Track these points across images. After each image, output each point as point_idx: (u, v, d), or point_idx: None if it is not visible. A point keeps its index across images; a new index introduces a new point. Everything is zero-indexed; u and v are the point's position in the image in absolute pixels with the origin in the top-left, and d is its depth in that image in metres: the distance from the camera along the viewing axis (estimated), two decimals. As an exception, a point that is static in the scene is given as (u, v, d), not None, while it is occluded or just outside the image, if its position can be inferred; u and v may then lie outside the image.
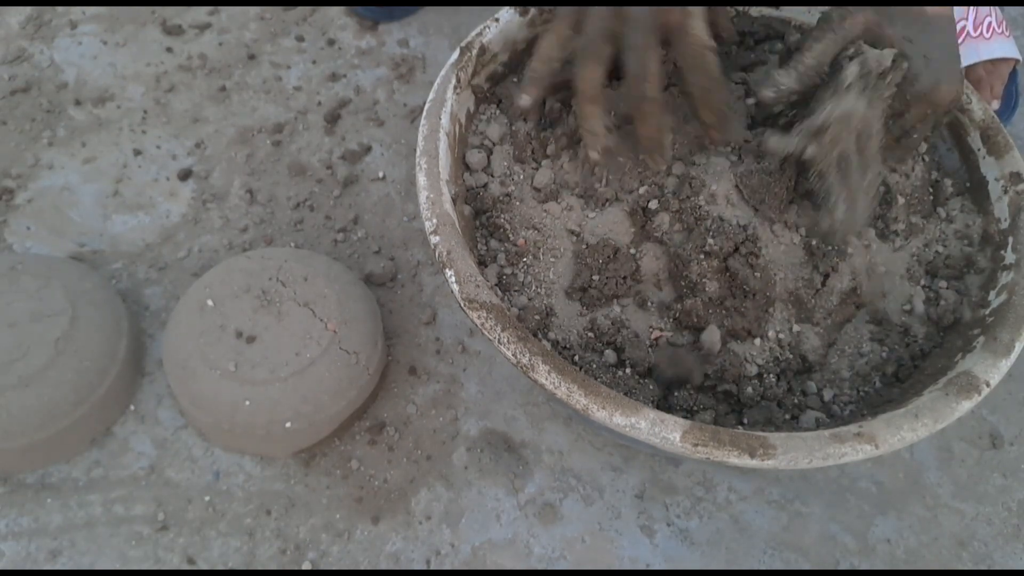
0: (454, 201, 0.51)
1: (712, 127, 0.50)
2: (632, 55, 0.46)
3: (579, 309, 0.52)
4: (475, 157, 0.57)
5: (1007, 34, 0.79)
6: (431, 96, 0.55)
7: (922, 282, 0.56)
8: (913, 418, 0.44)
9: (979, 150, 0.58)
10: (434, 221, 0.49)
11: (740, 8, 0.65)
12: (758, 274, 0.49)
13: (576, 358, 0.49)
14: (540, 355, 0.44)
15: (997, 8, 0.79)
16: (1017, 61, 0.79)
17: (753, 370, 0.50)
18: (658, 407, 0.45)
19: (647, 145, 0.51)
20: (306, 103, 0.81)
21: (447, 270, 0.47)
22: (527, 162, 0.57)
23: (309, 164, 0.77)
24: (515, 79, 0.61)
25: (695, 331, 0.51)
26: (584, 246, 0.53)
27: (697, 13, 0.46)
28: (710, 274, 0.50)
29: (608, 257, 0.52)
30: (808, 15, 0.64)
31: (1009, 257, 0.53)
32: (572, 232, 0.54)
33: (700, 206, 0.51)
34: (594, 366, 0.49)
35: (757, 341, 0.51)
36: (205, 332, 0.58)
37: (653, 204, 0.52)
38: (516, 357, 0.44)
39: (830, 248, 0.53)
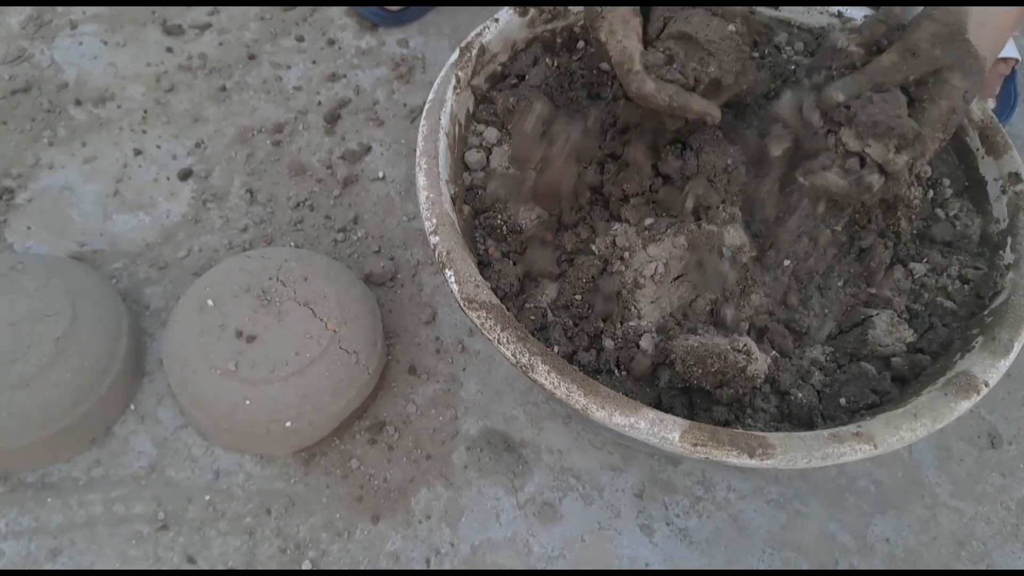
0: (454, 201, 0.51)
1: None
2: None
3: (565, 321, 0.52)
4: (474, 157, 0.57)
5: (1006, 34, 0.79)
6: (431, 96, 0.55)
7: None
8: (912, 418, 0.44)
9: (978, 150, 0.58)
10: (434, 221, 0.49)
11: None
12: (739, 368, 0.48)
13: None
14: (540, 355, 0.44)
15: (996, 8, 0.79)
16: (1016, 61, 0.79)
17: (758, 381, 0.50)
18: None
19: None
20: (306, 103, 0.82)
21: (447, 270, 0.47)
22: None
23: (309, 164, 0.77)
24: (514, 82, 0.61)
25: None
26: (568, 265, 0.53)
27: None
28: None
29: (592, 277, 0.52)
30: (807, 15, 0.65)
31: (1008, 257, 0.53)
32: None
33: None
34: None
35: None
36: (205, 332, 0.58)
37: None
38: (516, 357, 0.44)
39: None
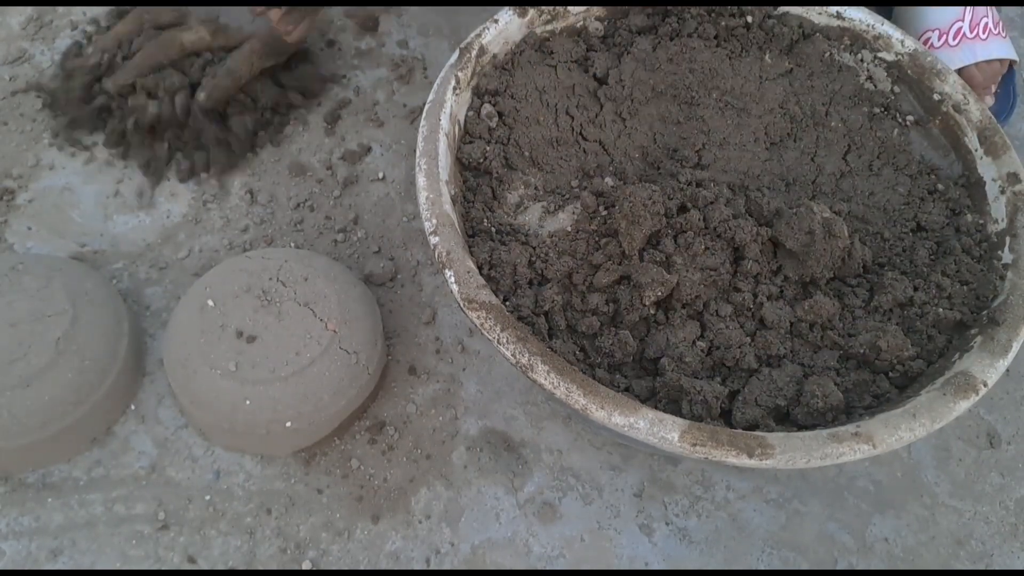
0: (454, 201, 0.51)
1: None
2: None
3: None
4: (474, 157, 0.57)
5: (1003, 35, 0.79)
6: (430, 97, 0.55)
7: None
8: (911, 418, 0.44)
9: (976, 150, 0.59)
10: (434, 222, 0.49)
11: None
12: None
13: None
14: (539, 355, 0.44)
15: (994, 8, 0.79)
16: (1014, 62, 0.79)
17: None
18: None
19: None
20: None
21: (447, 270, 0.47)
22: None
23: (309, 164, 0.77)
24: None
25: None
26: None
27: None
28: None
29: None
30: (806, 15, 0.65)
31: (1006, 257, 0.54)
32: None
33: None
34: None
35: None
36: (205, 332, 0.58)
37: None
38: (515, 357, 0.44)
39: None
